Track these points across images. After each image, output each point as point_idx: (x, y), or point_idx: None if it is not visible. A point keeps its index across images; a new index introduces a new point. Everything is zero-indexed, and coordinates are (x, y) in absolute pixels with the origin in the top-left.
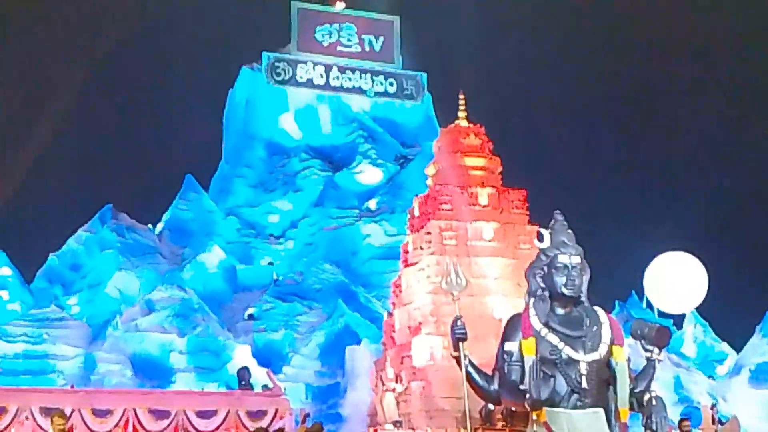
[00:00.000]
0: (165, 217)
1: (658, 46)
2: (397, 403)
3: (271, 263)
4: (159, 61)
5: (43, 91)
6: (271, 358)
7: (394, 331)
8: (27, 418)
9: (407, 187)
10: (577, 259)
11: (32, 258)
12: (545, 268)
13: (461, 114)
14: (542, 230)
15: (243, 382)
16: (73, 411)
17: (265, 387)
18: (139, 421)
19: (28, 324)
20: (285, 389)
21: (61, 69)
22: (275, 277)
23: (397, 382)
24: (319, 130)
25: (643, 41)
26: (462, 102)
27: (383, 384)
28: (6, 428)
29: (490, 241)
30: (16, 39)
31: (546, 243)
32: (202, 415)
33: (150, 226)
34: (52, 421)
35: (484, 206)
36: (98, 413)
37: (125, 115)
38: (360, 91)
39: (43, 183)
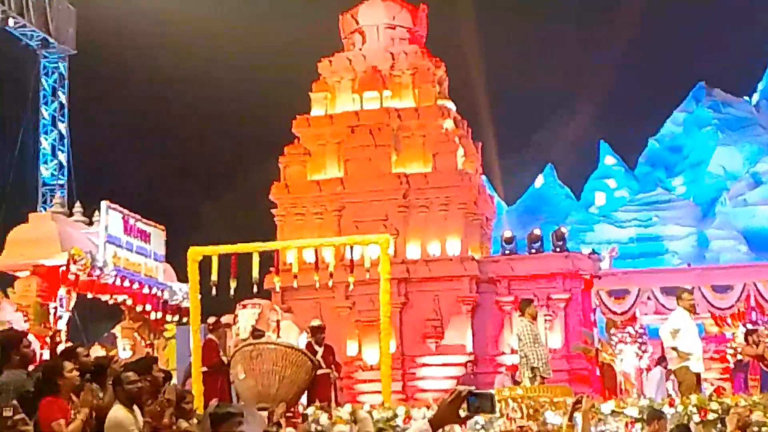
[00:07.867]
0: (760, 86)
1: None
2: None
3: None
4: None
5: None
6: None
7: None
8: (649, 298)
9: None
10: None
11: (632, 145)
12: None
13: None
14: None
15: None
16: (692, 288)
17: None
18: (761, 295)
19: (637, 209)
20: None
21: None
22: None
23: None
24: None
25: None
26: None
27: None
28: (630, 308)
29: None
30: None
31: None
32: None
33: (746, 97)
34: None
35: None
36: (717, 289)
37: None
38: None
39: (636, 71)
